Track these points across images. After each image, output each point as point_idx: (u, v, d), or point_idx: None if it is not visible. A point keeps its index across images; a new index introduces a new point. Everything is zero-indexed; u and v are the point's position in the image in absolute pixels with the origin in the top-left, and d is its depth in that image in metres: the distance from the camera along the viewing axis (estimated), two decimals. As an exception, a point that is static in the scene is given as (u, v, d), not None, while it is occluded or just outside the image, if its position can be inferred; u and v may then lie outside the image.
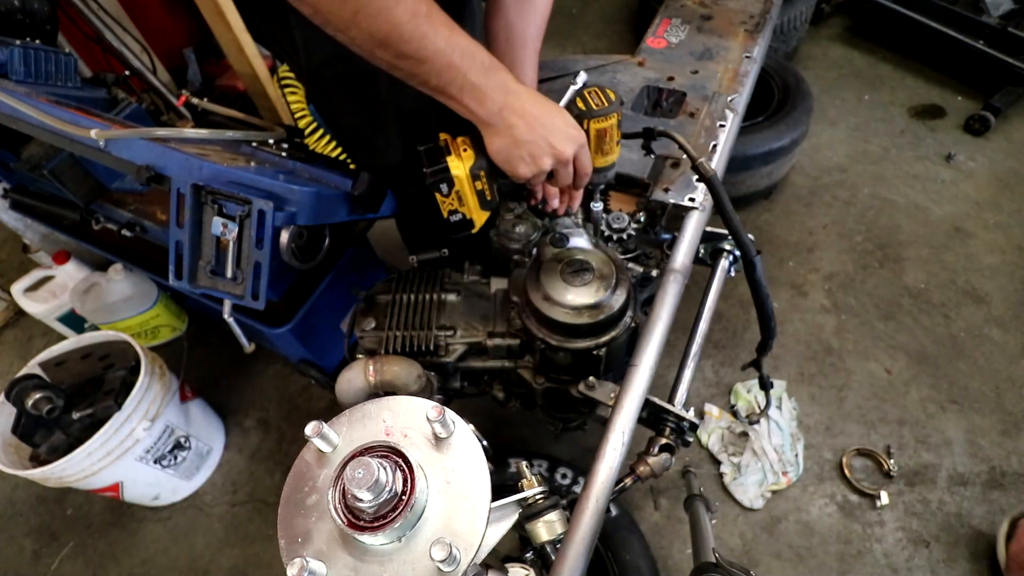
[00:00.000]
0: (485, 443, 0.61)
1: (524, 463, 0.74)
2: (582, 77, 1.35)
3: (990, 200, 2.20)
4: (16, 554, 1.70)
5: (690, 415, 0.91)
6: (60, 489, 1.68)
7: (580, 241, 0.98)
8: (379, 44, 0.62)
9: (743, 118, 1.26)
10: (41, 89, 1.28)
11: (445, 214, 0.81)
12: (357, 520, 0.50)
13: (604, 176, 0.90)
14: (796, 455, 1.64)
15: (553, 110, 0.76)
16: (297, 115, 1.57)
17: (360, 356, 1.07)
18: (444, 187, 0.78)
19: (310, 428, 0.54)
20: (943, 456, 1.60)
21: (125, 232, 1.35)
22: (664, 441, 0.91)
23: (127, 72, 1.63)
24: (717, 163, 1.11)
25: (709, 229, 1.16)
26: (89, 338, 1.58)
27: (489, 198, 0.82)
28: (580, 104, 0.81)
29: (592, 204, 0.98)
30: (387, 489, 0.49)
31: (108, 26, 1.65)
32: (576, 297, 0.88)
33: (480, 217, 0.83)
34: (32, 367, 1.52)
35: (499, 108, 0.72)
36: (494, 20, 0.96)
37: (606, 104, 0.81)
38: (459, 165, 0.78)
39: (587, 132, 0.81)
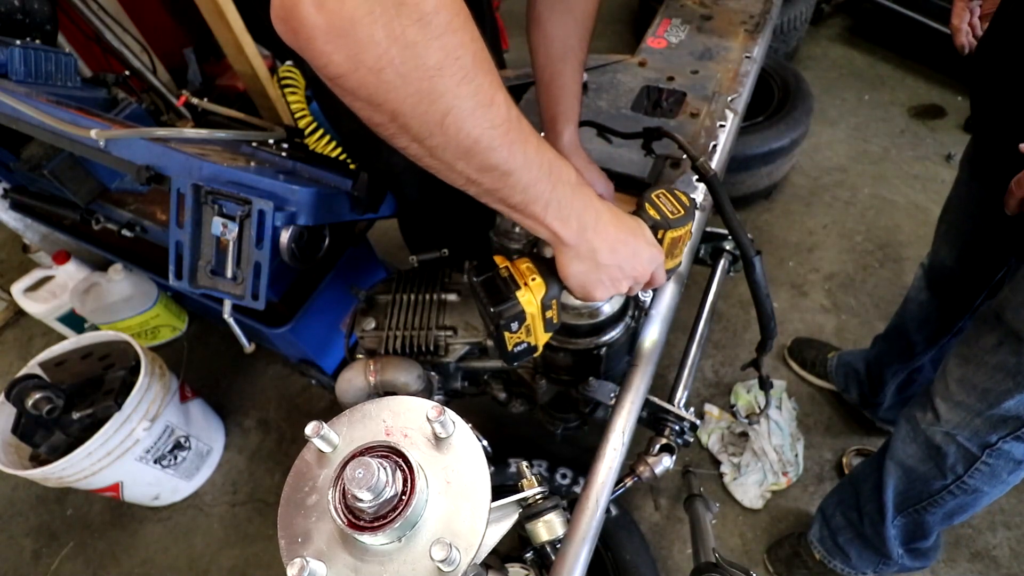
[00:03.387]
0: (485, 443, 0.61)
1: (524, 463, 0.74)
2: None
3: (990, 200, 2.20)
4: (16, 554, 1.70)
5: (690, 415, 0.91)
6: (60, 489, 1.69)
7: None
8: (464, 153, 0.52)
9: (743, 118, 1.26)
10: (41, 89, 1.28)
11: (510, 347, 0.73)
12: (357, 520, 0.50)
13: (670, 275, 0.85)
14: (796, 455, 1.64)
15: (634, 228, 0.70)
16: (297, 115, 1.57)
17: (360, 356, 1.07)
18: (514, 325, 0.70)
19: (310, 428, 0.54)
20: (943, 456, 1.60)
21: (125, 232, 1.35)
22: (664, 441, 0.91)
23: (127, 72, 1.63)
24: (717, 163, 1.11)
25: (709, 229, 1.16)
26: (89, 338, 1.58)
27: (556, 322, 0.75)
28: (653, 212, 0.74)
29: (641, 293, 0.92)
30: (387, 489, 0.49)
31: (108, 26, 1.65)
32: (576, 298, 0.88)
33: (543, 340, 0.77)
34: (32, 367, 1.53)
35: (583, 228, 0.64)
36: (534, 34, 0.93)
37: (681, 212, 0.74)
38: (531, 300, 0.69)
39: (660, 241, 0.74)
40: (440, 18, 0.44)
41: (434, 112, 0.48)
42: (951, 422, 0.99)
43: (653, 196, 0.76)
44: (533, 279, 0.70)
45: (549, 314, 0.73)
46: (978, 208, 1.10)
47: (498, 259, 0.73)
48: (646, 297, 0.92)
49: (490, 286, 0.70)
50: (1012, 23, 0.87)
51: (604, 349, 0.91)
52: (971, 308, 1.23)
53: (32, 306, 1.93)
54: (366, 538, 0.49)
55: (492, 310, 0.68)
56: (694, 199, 0.78)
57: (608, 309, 0.84)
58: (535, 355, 0.77)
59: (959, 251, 1.20)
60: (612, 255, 0.66)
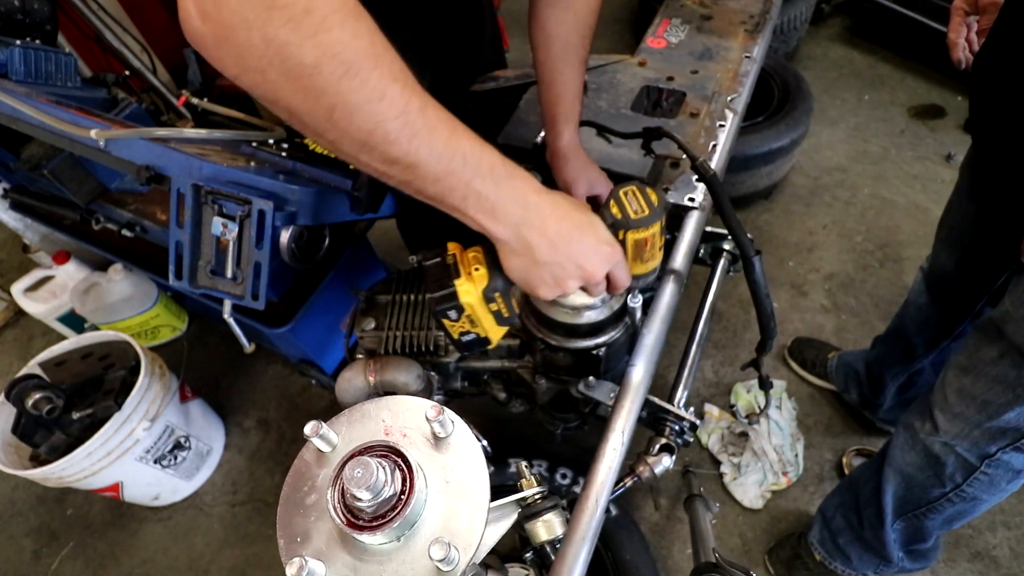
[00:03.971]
0: (485, 443, 0.61)
1: (524, 463, 0.74)
2: (582, 77, 1.36)
3: (990, 200, 2.20)
4: (16, 554, 1.70)
5: (690, 415, 0.91)
6: (60, 489, 1.69)
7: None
8: (362, 146, 0.52)
9: (743, 118, 1.26)
10: (41, 89, 1.28)
11: (455, 335, 0.72)
12: (356, 520, 0.50)
13: (645, 280, 0.82)
14: (796, 455, 1.64)
15: (583, 224, 0.65)
16: (297, 115, 1.58)
17: (360, 356, 1.07)
18: (452, 313, 0.68)
19: (309, 428, 0.54)
20: (943, 456, 1.60)
21: (125, 232, 1.35)
22: (664, 441, 0.90)
23: (127, 72, 1.63)
24: (717, 163, 1.11)
25: (709, 229, 1.16)
26: (89, 338, 1.58)
27: (507, 315, 0.72)
28: (615, 210, 0.69)
29: (630, 299, 0.88)
30: (386, 488, 0.49)
31: (108, 26, 1.65)
32: (576, 298, 0.88)
33: (497, 333, 0.74)
34: (32, 367, 1.53)
35: (515, 223, 0.61)
36: (534, 33, 0.92)
37: (647, 211, 0.69)
38: (469, 291, 0.67)
39: (623, 243, 0.70)
40: (312, 19, 0.45)
41: (320, 108, 0.50)
42: (950, 433, 0.99)
43: (621, 193, 0.71)
44: (476, 269, 0.68)
45: (494, 307, 0.70)
46: (978, 213, 1.09)
47: (451, 245, 0.71)
48: (635, 303, 0.90)
49: (434, 271, 0.68)
50: (1009, 38, 0.86)
51: (603, 349, 0.90)
52: (971, 312, 1.22)
53: (32, 306, 1.93)
54: (365, 537, 0.49)
55: (430, 296, 0.67)
56: (664, 198, 0.74)
57: (595, 316, 0.82)
58: (489, 347, 0.76)
59: (959, 256, 1.20)
60: (552, 252, 0.63)
